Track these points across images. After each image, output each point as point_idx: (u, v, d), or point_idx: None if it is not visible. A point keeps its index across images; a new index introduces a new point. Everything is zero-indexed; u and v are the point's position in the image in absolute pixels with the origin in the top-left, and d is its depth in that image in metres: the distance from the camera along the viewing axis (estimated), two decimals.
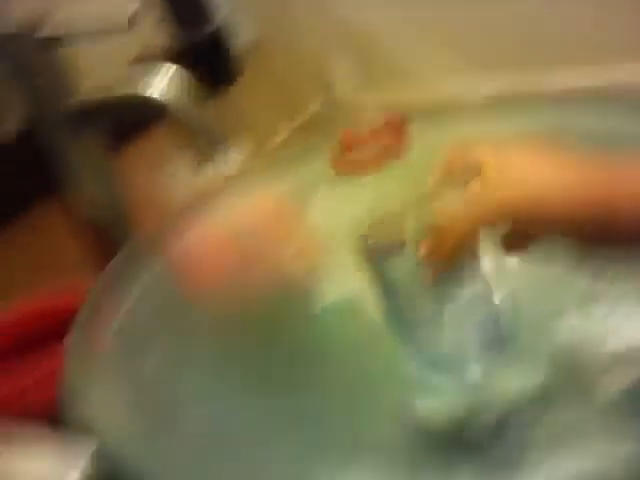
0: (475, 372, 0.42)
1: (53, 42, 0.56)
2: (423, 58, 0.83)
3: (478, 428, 0.41)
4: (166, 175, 0.64)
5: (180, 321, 0.51)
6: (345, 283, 0.50)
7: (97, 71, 0.60)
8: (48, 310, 0.56)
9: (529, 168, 0.39)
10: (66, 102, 0.57)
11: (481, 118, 0.57)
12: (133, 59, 0.75)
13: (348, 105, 0.40)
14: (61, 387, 0.41)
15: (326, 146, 0.53)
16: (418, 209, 0.40)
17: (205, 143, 0.52)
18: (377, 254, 0.40)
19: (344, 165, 0.40)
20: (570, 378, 0.43)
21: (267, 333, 0.52)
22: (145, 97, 0.54)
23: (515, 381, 0.43)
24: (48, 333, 0.48)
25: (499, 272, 0.42)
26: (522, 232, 0.40)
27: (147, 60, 0.72)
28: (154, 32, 0.78)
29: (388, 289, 0.41)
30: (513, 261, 0.45)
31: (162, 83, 0.53)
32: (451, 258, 0.40)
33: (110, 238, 0.62)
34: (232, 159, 0.57)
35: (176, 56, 0.78)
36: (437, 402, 0.43)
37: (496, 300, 0.42)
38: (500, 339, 0.42)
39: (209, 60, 0.81)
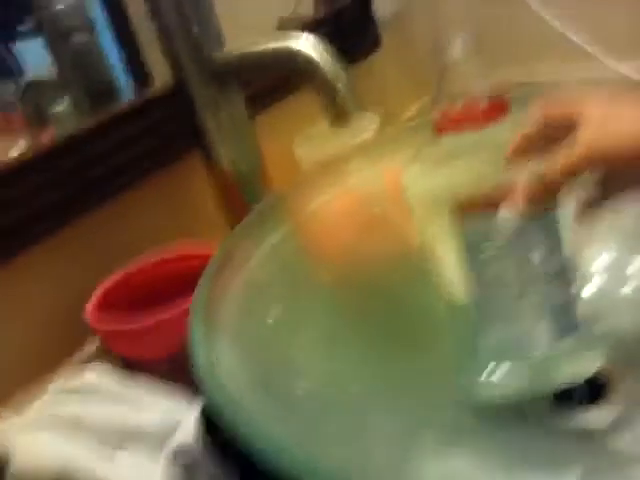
0: (544, 355, 0.42)
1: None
2: (546, 42, 0.82)
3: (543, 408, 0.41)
4: (303, 138, 0.66)
5: (303, 281, 0.53)
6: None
7: (242, 37, 0.61)
8: (182, 266, 0.59)
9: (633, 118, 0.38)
10: (213, 56, 0.59)
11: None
12: (277, 27, 0.77)
13: (461, 77, 0.41)
14: (186, 336, 0.42)
15: None
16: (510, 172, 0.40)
17: (344, 107, 0.52)
18: (473, 223, 0.41)
19: (447, 125, 0.41)
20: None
21: (381, 304, 0.52)
22: (294, 51, 0.54)
23: (581, 364, 0.42)
24: (182, 287, 0.50)
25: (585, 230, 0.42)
26: (616, 182, 0.40)
27: (290, 28, 0.73)
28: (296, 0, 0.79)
29: (478, 259, 0.41)
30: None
31: (309, 42, 0.53)
32: (554, 193, 0.40)
33: (245, 195, 0.64)
34: (367, 126, 0.58)
35: (317, 25, 0.80)
36: (498, 388, 0.43)
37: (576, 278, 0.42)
38: (572, 323, 0.42)
39: (349, 30, 0.82)
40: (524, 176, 0.39)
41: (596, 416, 0.42)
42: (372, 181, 0.58)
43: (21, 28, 0.62)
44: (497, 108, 0.41)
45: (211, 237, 0.59)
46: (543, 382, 0.42)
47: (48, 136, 0.62)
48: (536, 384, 0.42)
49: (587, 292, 0.49)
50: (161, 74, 0.64)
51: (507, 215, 0.39)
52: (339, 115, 0.53)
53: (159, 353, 0.53)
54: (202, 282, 0.47)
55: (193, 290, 0.46)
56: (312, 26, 0.77)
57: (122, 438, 0.47)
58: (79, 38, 0.64)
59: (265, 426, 0.35)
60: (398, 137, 0.62)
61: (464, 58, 0.40)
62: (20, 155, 0.58)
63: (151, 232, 0.64)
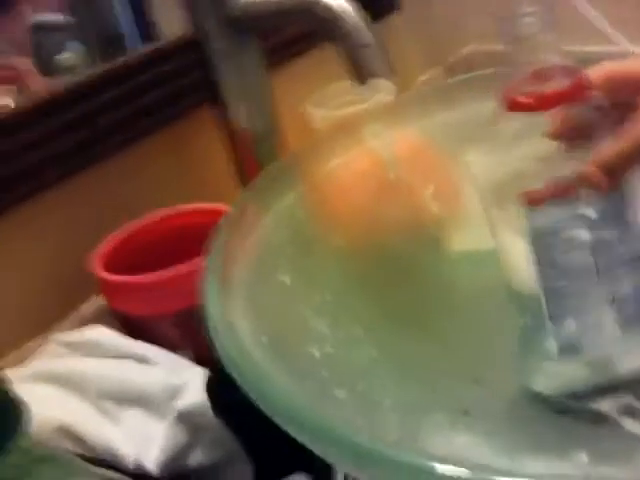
0: (605, 353, 0.41)
1: None
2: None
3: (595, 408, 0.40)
4: (321, 96, 0.64)
5: (314, 245, 0.52)
6: (480, 235, 0.48)
7: None
8: (191, 224, 0.58)
9: None
10: (232, 3, 0.58)
11: None
12: None
13: (526, 44, 0.38)
14: (194, 295, 0.41)
15: (484, 86, 0.50)
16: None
17: (365, 66, 0.51)
18: (541, 210, 0.38)
19: (518, 100, 0.38)
20: None
21: (394, 270, 0.51)
22: (317, 2, 0.53)
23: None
24: (189, 247, 0.49)
25: None
26: None
27: None
28: None
29: (546, 248, 0.40)
30: None
31: None
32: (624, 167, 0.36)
33: (258, 153, 0.62)
34: (388, 87, 0.56)
35: None
36: (558, 379, 0.42)
37: None
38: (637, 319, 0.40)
39: None
40: (589, 161, 0.36)
41: (608, 400, 0.41)
42: (388, 145, 0.56)
43: None
44: (574, 88, 0.38)
45: (221, 198, 0.57)
46: (605, 374, 0.41)
47: (54, 84, 0.60)
48: (598, 376, 0.41)
49: None
50: (172, 25, 0.62)
51: (575, 202, 0.37)
52: (359, 74, 0.51)
53: (165, 310, 0.52)
54: (216, 241, 0.45)
55: (201, 249, 0.45)
56: None
57: (125, 397, 0.46)
58: None
59: (281, 385, 0.35)
60: (414, 102, 0.60)
61: (538, 32, 0.37)
62: (21, 104, 0.56)
63: (158, 191, 0.63)
